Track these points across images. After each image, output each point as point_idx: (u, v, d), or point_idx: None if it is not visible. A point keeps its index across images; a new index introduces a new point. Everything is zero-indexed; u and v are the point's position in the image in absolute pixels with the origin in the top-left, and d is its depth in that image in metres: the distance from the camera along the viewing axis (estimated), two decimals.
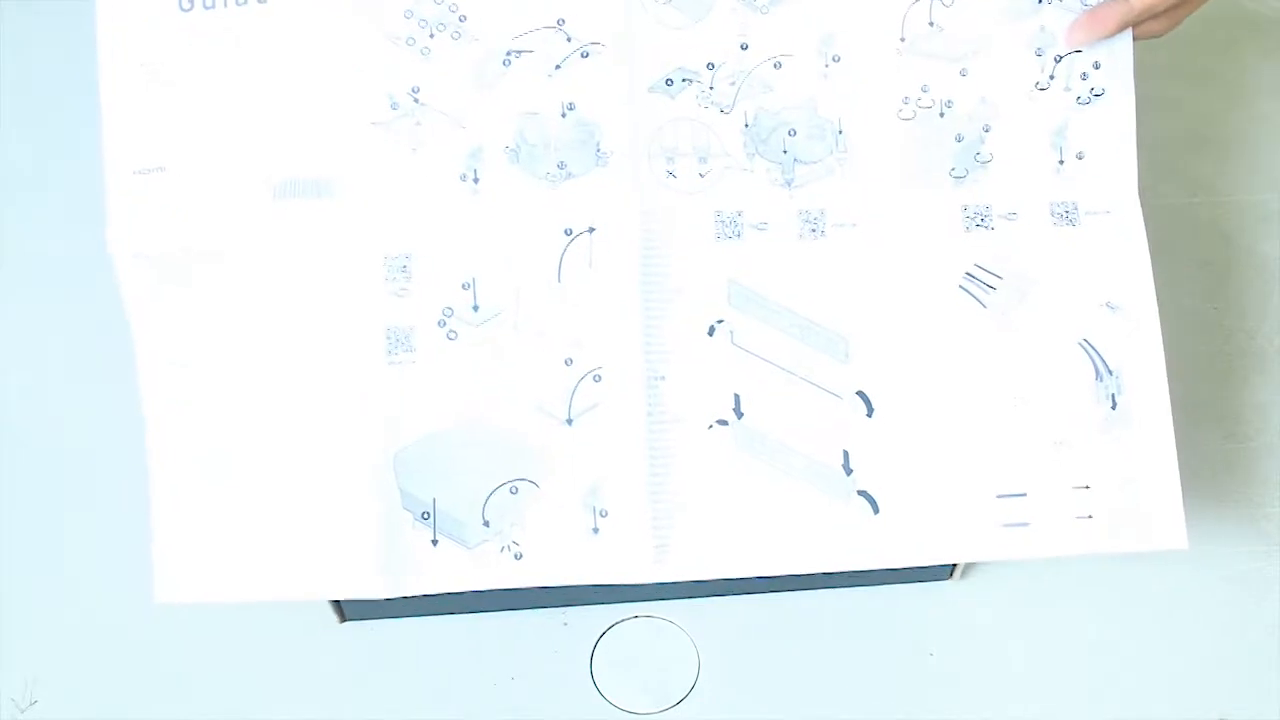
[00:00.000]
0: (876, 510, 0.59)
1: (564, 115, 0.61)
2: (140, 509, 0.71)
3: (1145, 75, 0.89)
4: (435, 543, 0.59)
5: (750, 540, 0.59)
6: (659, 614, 0.67)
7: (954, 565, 0.67)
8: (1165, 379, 0.61)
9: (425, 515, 0.59)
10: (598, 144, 0.61)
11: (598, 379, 0.60)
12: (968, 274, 0.61)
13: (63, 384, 0.76)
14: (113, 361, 0.76)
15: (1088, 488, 0.60)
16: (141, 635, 0.67)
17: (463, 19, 0.61)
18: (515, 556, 0.59)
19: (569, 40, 0.61)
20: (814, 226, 0.61)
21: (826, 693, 0.65)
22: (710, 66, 0.61)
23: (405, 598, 0.65)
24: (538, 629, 0.67)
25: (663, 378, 0.60)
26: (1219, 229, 0.82)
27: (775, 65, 0.61)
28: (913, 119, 0.61)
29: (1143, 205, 0.82)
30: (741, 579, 0.66)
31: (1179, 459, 0.72)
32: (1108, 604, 0.68)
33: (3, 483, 0.72)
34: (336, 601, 0.65)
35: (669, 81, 0.61)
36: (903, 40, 0.61)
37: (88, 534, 0.70)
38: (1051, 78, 0.62)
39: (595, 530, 0.59)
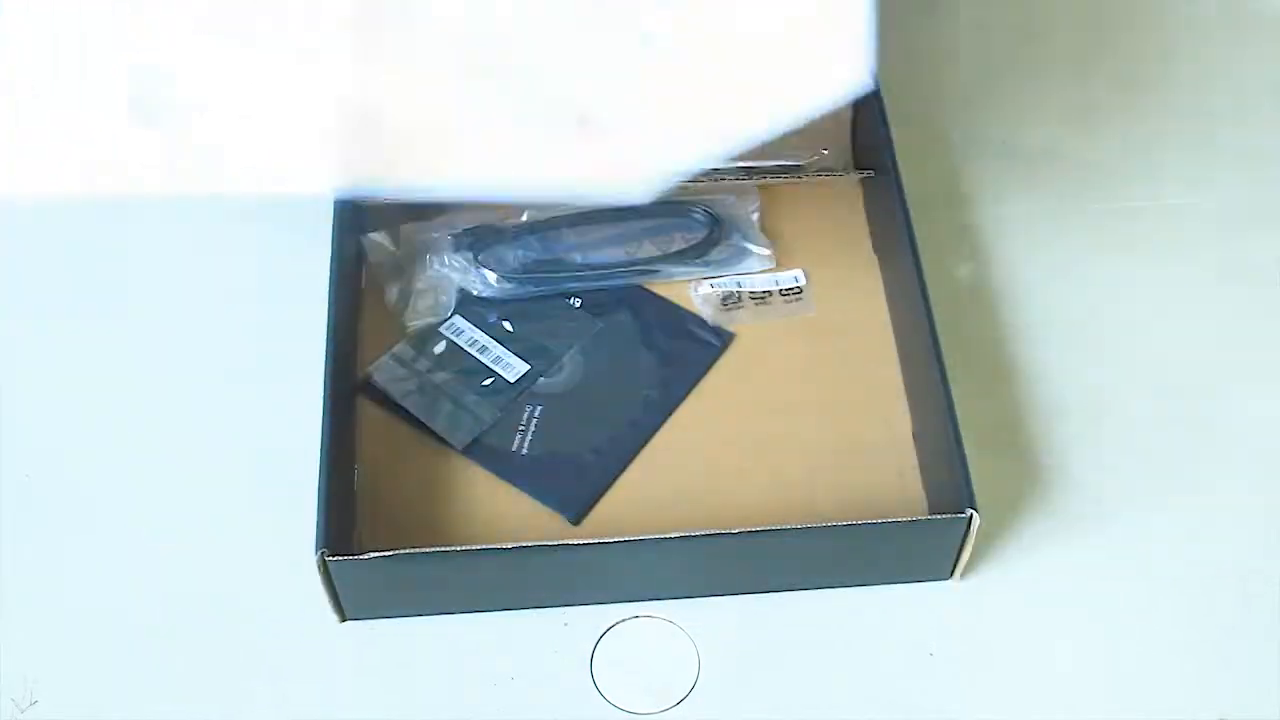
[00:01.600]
0: None
1: None
2: (141, 509, 0.71)
3: (1146, 76, 0.90)
4: None
5: None
6: (659, 614, 0.67)
7: (955, 564, 0.67)
8: None
9: None
10: None
11: None
12: None
13: (64, 382, 0.76)
14: (114, 360, 0.76)
15: None
16: (141, 635, 0.67)
17: None
18: None
19: None
20: None
21: (826, 693, 0.65)
22: None
23: (406, 596, 0.65)
24: (538, 629, 0.67)
25: None
26: (1219, 229, 0.82)
27: None
28: None
29: (1143, 205, 0.83)
30: (742, 579, 0.67)
31: (1179, 459, 0.72)
32: (1107, 604, 0.68)
33: (2, 481, 0.72)
34: (337, 601, 0.65)
35: None
36: None
37: (88, 534, 0.70)
38: None
39: None
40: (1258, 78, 0.89)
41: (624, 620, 0.67)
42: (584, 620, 0.67)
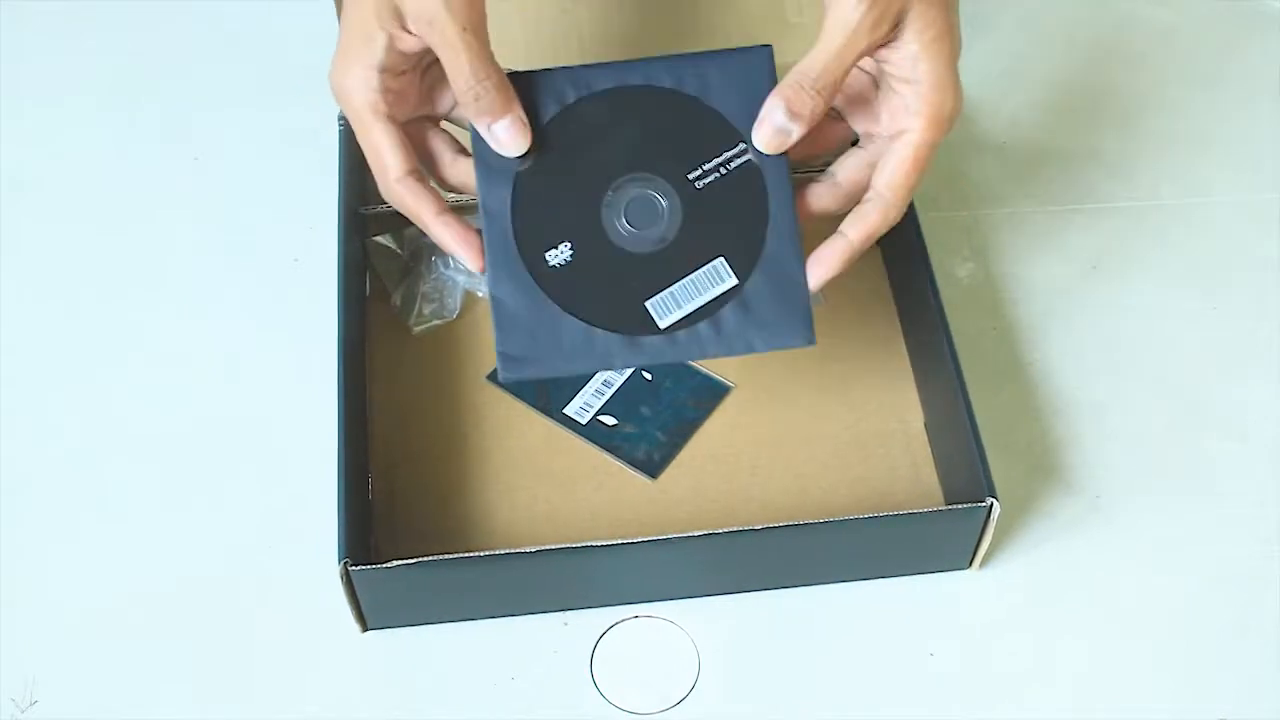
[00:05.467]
0: None
1: None
2: (141, 507, 0.71)
3: (1146, 75, 0.90)
4: None
5: None
6: (659, 614, 0.67)
7: (974, 554, 0.67)
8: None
9: None
10: None
11: None
12: None
13: (63, 382, 0.76)
14: (113, 359, 0.76)
15: None
16: (146, 638, 0.67)
17: None
18: None
19: None
20: None
21: (829, 692, 0.65)
22: None
23: (421, 603, 0.65)
24: (538, 629, 0.67)
25: None
26: (1219, 229, 0.82)
27: None
28: None
29: (1142, 205, 0.83)
30: (754, 577, 0.67)
31: (1179, 459, 0.72)
32: (1107, 603, 0.68)
33: (2, 481, 0.72)
34: (359, 610, 0.65)
35: None
36: None
37: (89, 533, 0.70)
38: None
39: None
40: (1258, 77, 0.89)
41: (624, 620, 0.67)
42: (584, 620, 0.67)
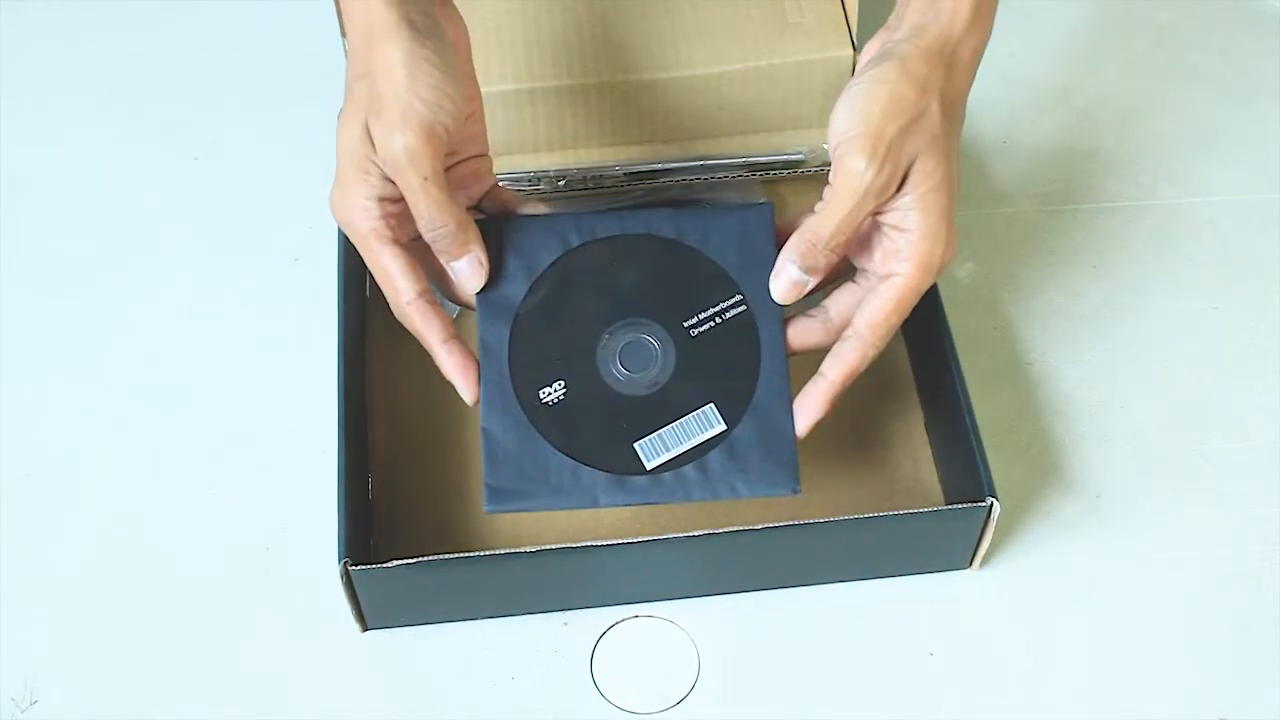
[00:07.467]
0: None
1: None
2: (140, 507, 0.71)
3: (1146, 75, 0.90)
4: None
5: None
6: (659, 614, 0.67)
7: (974, 554, 0.67)
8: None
9: None
10: None
11: None
12: None
13: (63, 381, 0.76)
14: (113, 359, 0.76)
15: None
16: (146, 638, 0.67)
17: None
18: None
19: None
20: None
21: (829, 692, 0.65)
22: None
23: (420, 603, 0.65)
24: (538, 629, 0.67)
25: None
26: (1219, 229, 0.82)
27: None
28: None
29: (1142, 205, 0.83)
30: (754, 578, 0.67)
31: (1179, 459, 0.72)
32: (1108, 603, 0.68)
33: (2, 481, 0.72)
34: (359, 610, 0.65)
35: None
36: None
37: (89, 533, 0.70)
38: None
39: None
40: (1258, 77, 0.89)
41: (624, 620, 0.67)
42: (584, 620, 0.67)
